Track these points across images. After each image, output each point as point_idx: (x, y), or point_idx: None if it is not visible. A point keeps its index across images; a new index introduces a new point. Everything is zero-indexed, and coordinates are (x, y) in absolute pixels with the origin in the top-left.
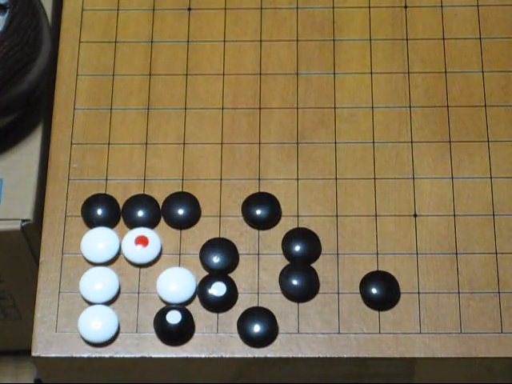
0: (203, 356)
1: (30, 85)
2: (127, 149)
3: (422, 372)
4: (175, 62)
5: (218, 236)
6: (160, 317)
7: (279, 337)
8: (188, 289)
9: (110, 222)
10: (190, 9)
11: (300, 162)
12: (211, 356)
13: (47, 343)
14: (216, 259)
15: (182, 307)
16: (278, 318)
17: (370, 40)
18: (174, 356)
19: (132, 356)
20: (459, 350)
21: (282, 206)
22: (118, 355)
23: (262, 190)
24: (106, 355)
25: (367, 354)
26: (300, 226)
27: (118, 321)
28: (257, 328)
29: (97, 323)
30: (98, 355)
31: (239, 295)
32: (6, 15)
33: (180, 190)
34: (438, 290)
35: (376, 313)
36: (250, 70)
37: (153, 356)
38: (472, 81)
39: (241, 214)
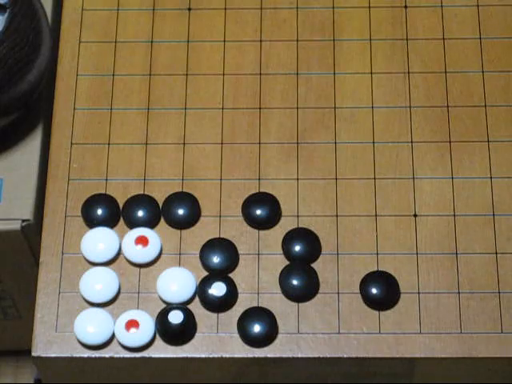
0: (203, 356)
1: (30, 85)
2: (127, 149)
3: (422, 372)
4: (175, 62)
5: (218, 236)
6: (162, 317)
7: (279, 337)
8: (188, 289)
9: (110, 222)
10: (190, 9)
11: (300, 162)
12: (211, 356)
13: (47, 343)
14: (216, 259)
15: (184, 307)
16: (278, 318)
17: (370, 40)
18: (174, 356)
19: (132, 356)
20: (459, 349)
21: (282, 206)
22: (118, 355)
23: (262, 190)
24: (106, 355)
25: (367, 354)
26: (300, 226)
27: (113, 323)
28: (257, 328)
29: (91, 327)
30: (98, 355)
31: (239, 295)
32: (6, 15)
33: (180, 190)
34: (438, 290)
35: (376, 313)
36: (250, 69)
37: (153, 356)
38: (472, 81)
39: (241, 214)
